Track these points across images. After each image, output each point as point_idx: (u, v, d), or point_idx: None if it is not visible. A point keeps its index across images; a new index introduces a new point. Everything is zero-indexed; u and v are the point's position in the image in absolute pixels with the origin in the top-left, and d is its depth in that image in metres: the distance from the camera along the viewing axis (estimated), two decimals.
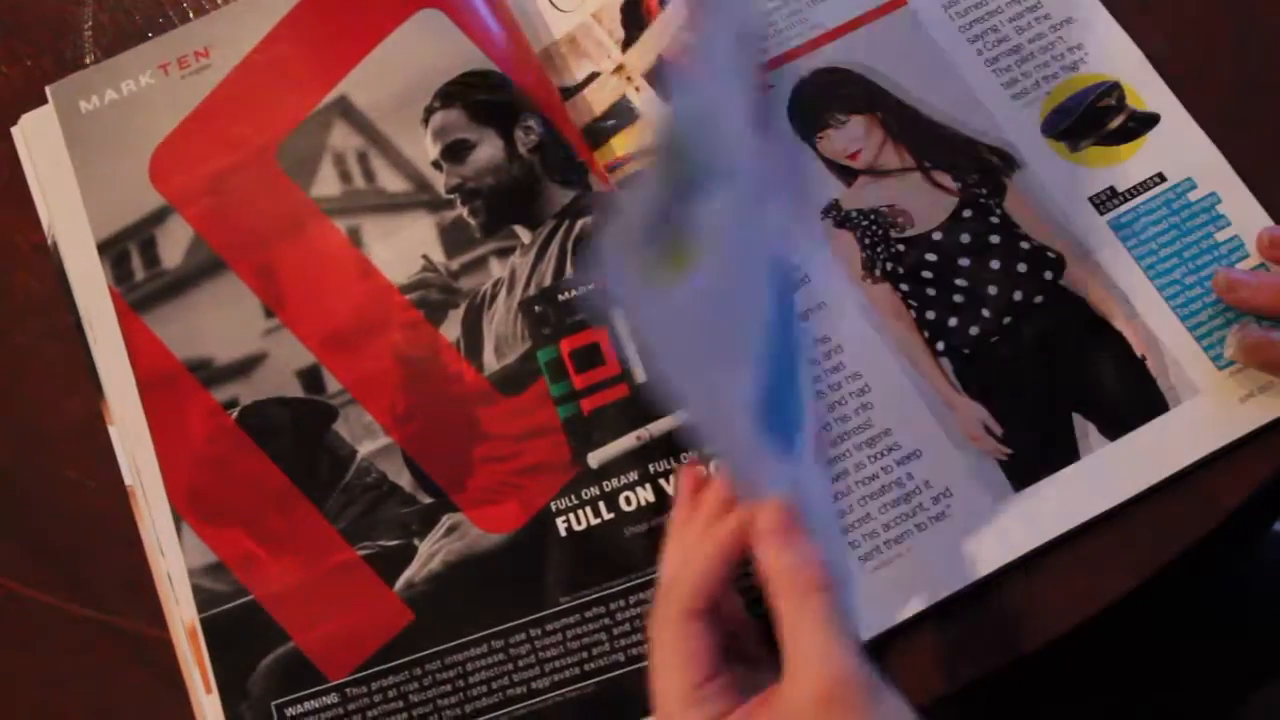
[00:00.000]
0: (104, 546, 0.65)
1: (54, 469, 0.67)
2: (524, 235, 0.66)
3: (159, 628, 0.63)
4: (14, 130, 0.72)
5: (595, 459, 0.62)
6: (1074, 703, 0.77)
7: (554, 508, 0.62)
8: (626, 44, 0.69)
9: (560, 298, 0.64)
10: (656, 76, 0.68)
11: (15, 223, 0.71)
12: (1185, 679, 0.79)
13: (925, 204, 0.66)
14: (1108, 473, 0.61)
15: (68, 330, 0.68)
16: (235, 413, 0.65)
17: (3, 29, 0.76)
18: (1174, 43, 0.67)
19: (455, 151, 0.67)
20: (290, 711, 0.61)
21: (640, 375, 0.63)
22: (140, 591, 0.64)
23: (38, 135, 0.71)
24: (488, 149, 0.67)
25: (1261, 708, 0.78)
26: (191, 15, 0.73)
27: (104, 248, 0.68)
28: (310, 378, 0.65)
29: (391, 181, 0.67)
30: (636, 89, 0.68)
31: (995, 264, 0.64)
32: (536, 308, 0.64)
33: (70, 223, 0.69)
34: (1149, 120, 0.66)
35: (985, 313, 0.63)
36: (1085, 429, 0.61)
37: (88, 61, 0.73)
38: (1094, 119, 0.67)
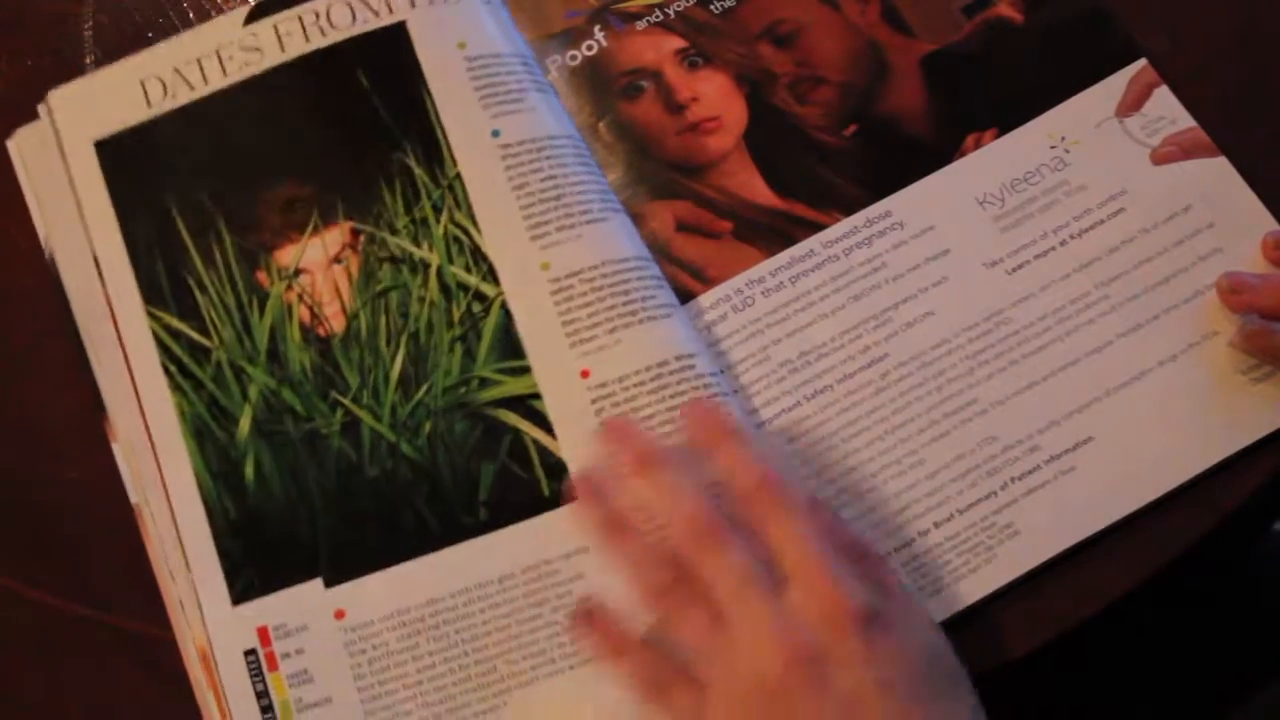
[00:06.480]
0: (105, 547, 0.65)
1: (54, 468, 0.67)
2: None
3: (161, 628, 0.63)
4: (9, 144, 0.71)
5: None
6: (1074, 703, 0.77)
7: None
8: None
9: None
10: None
11: (12, 221, 0.70)
12: (1186, 679, 0.80)
13: None
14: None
15: (67, 329, 0.67)
16: None
17: (2, 28, 0.75)
18: (1176, 43, 0.67)
19: None
20: None
21: None
22: (142, 592, 0.64)
23: (33, 149, 0.70)
24: None
25: (1262, 708, 0.78)
26: (191, 16, 0.73)
27: None
28: None
29: None
30: None
31: None
32: None
33: (68, 238, 0.68)
34: None
35: None
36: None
37: (87, 61, 0.73)
38: None
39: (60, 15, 0.75)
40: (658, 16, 0.71)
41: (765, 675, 0.52)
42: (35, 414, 0.68)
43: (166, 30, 0.73)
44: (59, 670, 0.65)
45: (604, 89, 0.70)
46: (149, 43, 0.73)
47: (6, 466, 0.68)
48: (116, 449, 0.65)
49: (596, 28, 0.71)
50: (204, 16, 0.73)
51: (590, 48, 0.70)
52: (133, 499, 0.65)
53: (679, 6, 0.71)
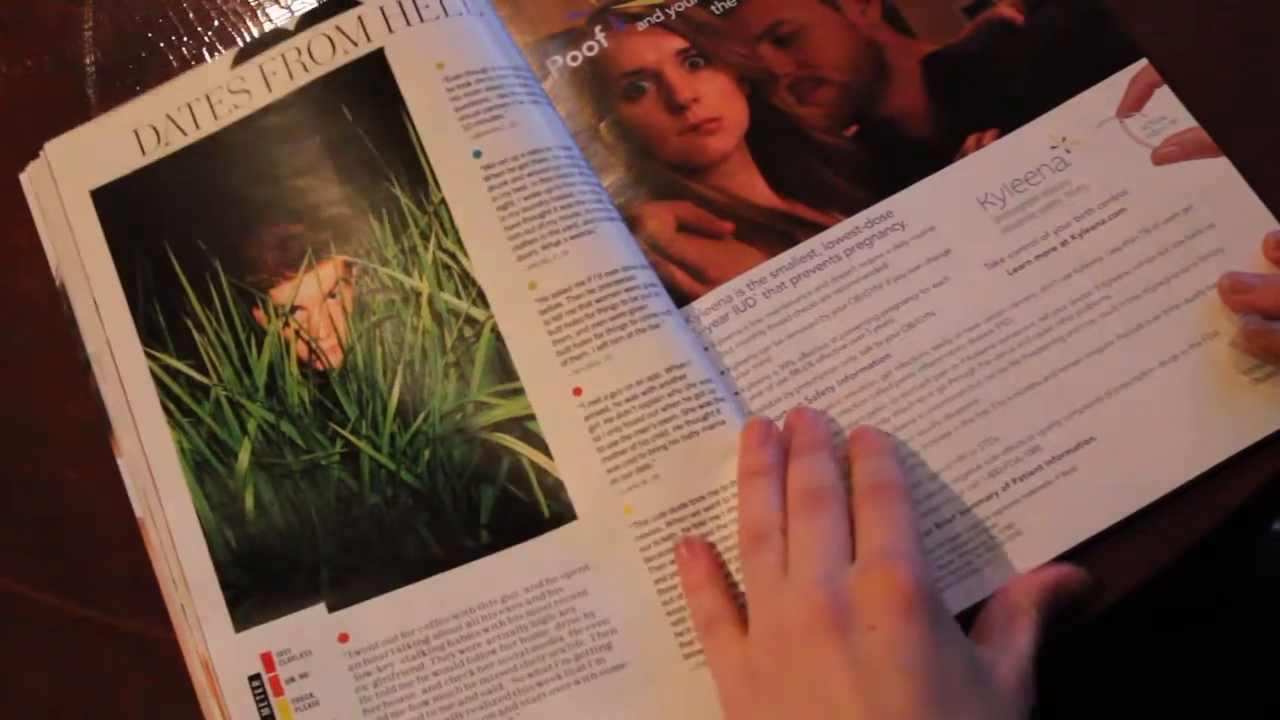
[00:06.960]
0: (106, 548, 0.65)
1: (54, 469, 0.67)
2: None
3: (162, 628, 0.63)
4: (22, 177, 0.71)
5: None
6: (1074, 703, 0.77)
7: None
8: None
9: None
10: None
11: (14, 223, 0.70)
12: (1185, 678, 0.80)
13: None
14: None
15: (68, 331, 0.68)
16: None
17: (3, 29, 0.75)
18: (1176, 44, 0.67)
19: None
20: None
21: None
22: (143, 592, 0.64)
23: (44, 180, 0.71)
24: None
25: (1261, 707, 0.78)
26: (191, 16, 0.73)
27: None
28: None
29: None
30: None
31: None
32: None
33: (75, 273, 0.69)
34: None
35: None
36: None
37: (87, 62, 0.73)
38: None
39: (60, 15, 0.75)
40: (658, 17, 0.71)
41: (790, 620, 0.55)
42: (35, 415, 0.68)
43: (166, 30, 0.73)
44: (59, 670, 0.65)
45: (605, 90, 0.70)
46: (149, 42, 0.73)
47: (7, 466, 0.68)
48: (122, 464, 0.66)
49: (597, 28, 0.71)
50: (203, 16, 0.73)
51: (591, 48, 0.70)
52: (138, 513, 0.65)
53: (680, 7, 0.71)
